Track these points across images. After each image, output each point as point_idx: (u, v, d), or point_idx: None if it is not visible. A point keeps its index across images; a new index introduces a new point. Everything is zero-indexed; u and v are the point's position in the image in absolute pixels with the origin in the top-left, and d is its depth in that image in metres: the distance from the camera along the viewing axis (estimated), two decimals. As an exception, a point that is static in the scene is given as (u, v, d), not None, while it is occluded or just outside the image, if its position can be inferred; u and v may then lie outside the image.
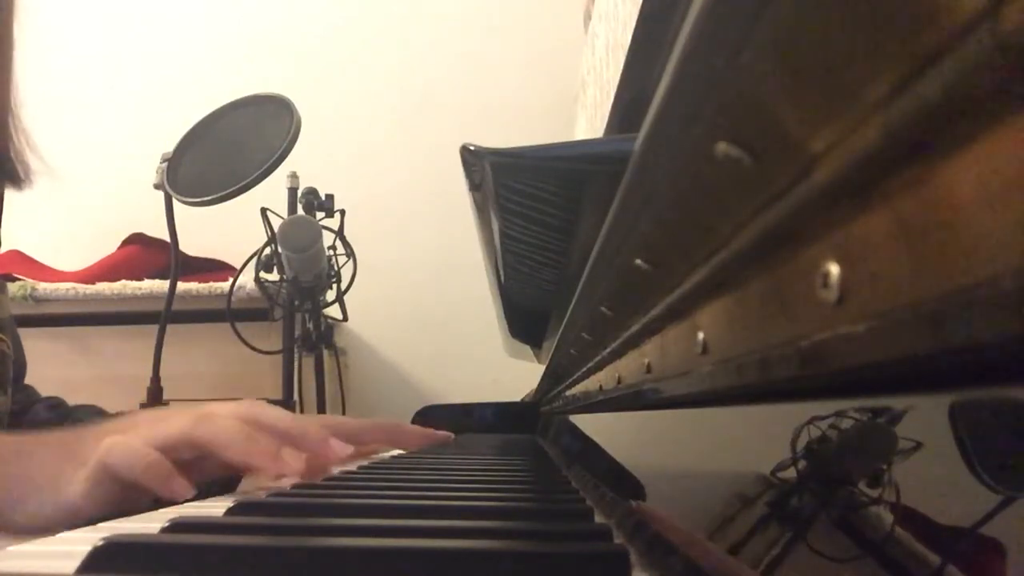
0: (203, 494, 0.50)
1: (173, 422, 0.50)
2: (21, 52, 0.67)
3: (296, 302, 1.55)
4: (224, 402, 0.55)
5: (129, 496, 0.48)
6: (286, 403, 1.54)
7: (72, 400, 0.88)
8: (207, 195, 1.24)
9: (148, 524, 0.37)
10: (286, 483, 0.53)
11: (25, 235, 1.82)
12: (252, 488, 0.55)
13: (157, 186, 1.32)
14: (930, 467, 0.15)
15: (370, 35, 2.20)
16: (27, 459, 0.51)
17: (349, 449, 0.54)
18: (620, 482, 0.46)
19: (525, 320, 1.08)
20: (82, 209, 2.10)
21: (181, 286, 1.52)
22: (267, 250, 1.52)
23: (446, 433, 0.92)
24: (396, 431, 0.89)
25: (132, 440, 0.48)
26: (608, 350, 0.47)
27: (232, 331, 1.50)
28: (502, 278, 0.83)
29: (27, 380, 0.87)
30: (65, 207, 2.03)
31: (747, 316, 0.22)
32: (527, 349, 1.33)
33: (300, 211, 1.57)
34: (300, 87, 1.53)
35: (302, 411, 1.60)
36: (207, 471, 0.53)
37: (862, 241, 0.15)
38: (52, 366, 0.92)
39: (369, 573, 0.27)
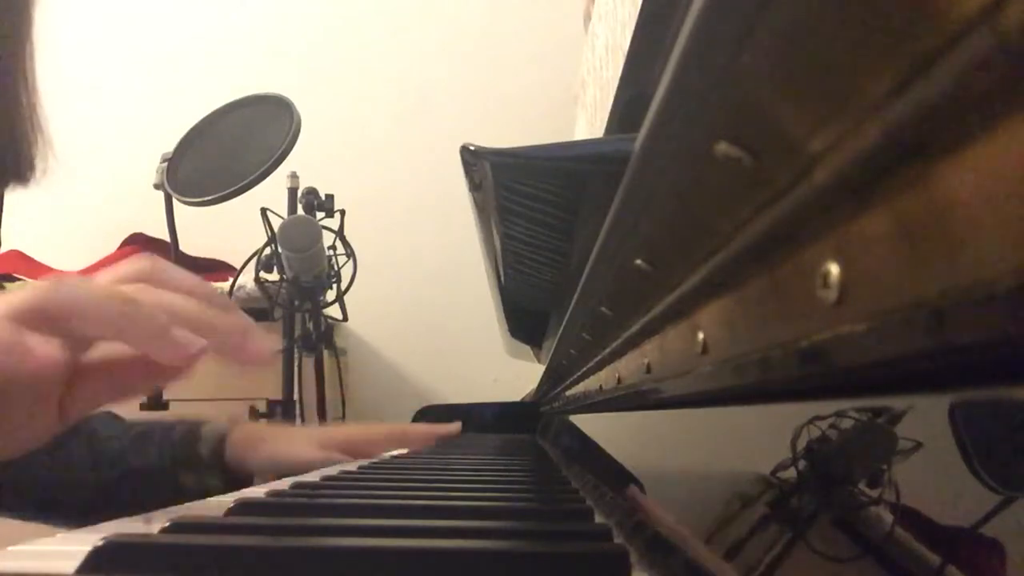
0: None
1: (24, 291, 0.38)
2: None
3: (296, 302, 1.55)
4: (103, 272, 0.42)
5: None
6: (286, 403, 1.54)
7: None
8: (207, 195, 1.24)
9: (148, 524, 0.37)
10: (285, 483, 0.53)
11: (25, 235, 1.82)
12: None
13: (157, 186, 1.32)
14: (930, 467, 0.15)
15: (370, 35, 2.20)
16: None
17: (267, 344, 0.41)
18: (620, 482, 0.46)
19: (525, 320, 1.08)
20: (82, 209, 2.10)
21: (181, 286, 1.51)
22: (267, 250, 1.52)
23: (453, 426, 0.91)
24: (403, 436, 0.90)
25: None
26: (608, 350, 0.47)
27: (232, 331, 1.50)
28: (502, 278, 0.83)
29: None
30: (65, 207, 2.03)
31: (747, 316, 0.22)
32: (527, 349, 1.33)
33: (300, 211, 1.57)
34: (300, 87, 1.53)
35: (302, 411, 1.60)
36: (99, 388, 0.41)
37: (862, 241, 0.15)
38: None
39: (369, 573, 0.27)
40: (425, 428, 0.93)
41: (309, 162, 1.53)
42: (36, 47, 0.66)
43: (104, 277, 0.42)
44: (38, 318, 0.37)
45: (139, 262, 0.42)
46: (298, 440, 0.82)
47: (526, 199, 0.56)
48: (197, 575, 0.27)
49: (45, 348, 0.36)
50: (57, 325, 0.38)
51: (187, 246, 1.54)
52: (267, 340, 0.42)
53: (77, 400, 0.41)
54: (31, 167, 0.67)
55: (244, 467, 0.78)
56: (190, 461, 0.77)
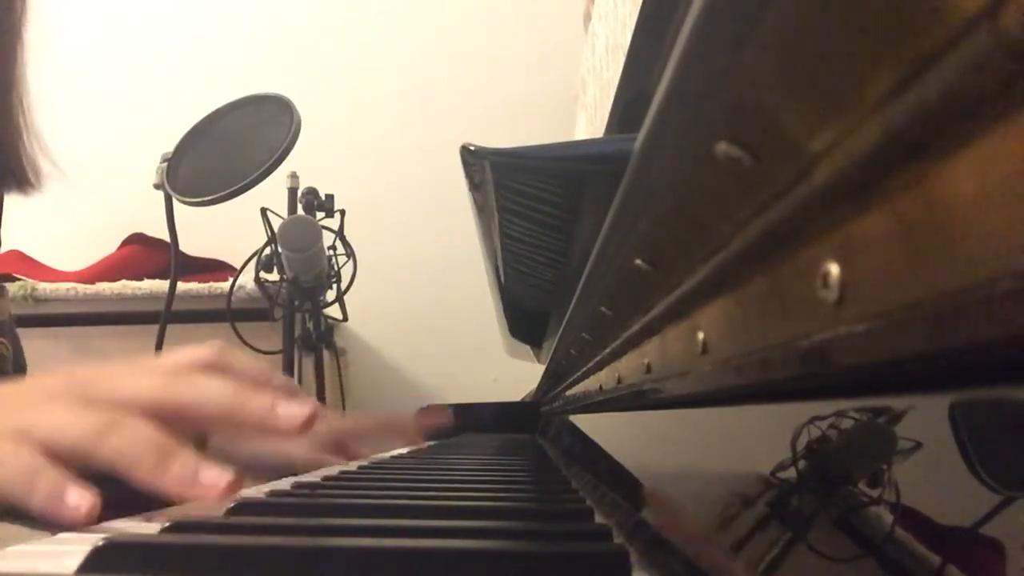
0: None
1: (72, 422, 0.40)
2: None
3: (296, 302, 1.55)
4: (168, 356, 0.46)
5: (13, 505, 0.38)
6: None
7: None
8: (207, 195, 1.24)
9: (148, 524, 0.37)
10: (285, 483, 0.53)
11: (25, 235, 1.82)
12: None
13: (157, 186, 1.32)
14: (930, 467, 0.15)
15: (370, 35, 2.20)
16: None
17: (302, 414, 0.43)
18: (620, 482, 0.46)
19: (525, 320, 1.08)
20: (82, 209, 2.10)
21: (181, 286, 1.52)
22: (267, 250, 1.52)
23: (440, 421, 0.89)
24: (391, 424, 0.88)
25: (21, 452, 0.38)
26: (608, 350, 0.47)
27: (232, 331, 1.50)
28: (502, 278, 0.83)
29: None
30: (65, 207, 2.02)
31: (747, 316, 0.22)
32: (527, 349, 1.33)
33: (300, 211, 1.57)
34: (300, 87, 1.53)
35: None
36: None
37: (862, 241, 0.15)
38: (52, 366, 0.91)
39: (369, 573, 0.27)
40: (415, 419, 0.91)
41: (309, 162, 1.53)
42: (27, 49, 0.65)
43: (171, 361, 0.45)
44: (76, 458, 0.39)
45: (206, 351, 0.46)
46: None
47: (526, 199, 0.56)
48: (197, 575, 0.27)
49: (78, 498, 0.37)
50: (95, 466, 0.39)
51: (187, 246, 1.54)
52: (297, 407, 0.43)
53: None
54: (27, 172, 0.66)
55: (229, 458, 0.76)
56: None
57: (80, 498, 0.37)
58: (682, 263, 0.26)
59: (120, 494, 0.41)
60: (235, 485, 0.40)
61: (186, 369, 0.45)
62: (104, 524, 0.37)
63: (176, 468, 0.39)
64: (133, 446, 0.39)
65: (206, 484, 0.39)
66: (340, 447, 0.81)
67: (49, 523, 0.37)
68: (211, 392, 0.43)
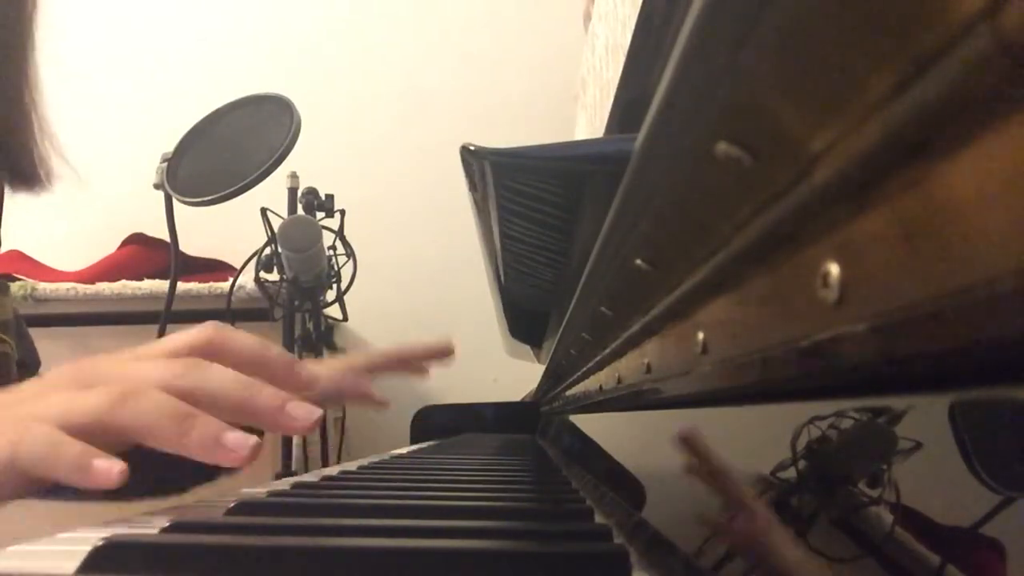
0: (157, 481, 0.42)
1: (85, 398, 0.40)
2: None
3: (296, 302, 1.55)
4: (167, 340, 0.46)
5: (39, 483, 0.40)
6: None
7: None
8: (207, 195, 1.24)
9: (148, 524, 0.37)
10: (285, 483, 0.53)
11: (25, 235, 1.82)
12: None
13: (157, 186, 1.32)
14: (930, 467, 0.15)
15: (370, 35, 2.20)
16: None
17: (305, 412, 0.43)
18: (620, 482, 0.46)
19: (525, 320, 1.08)
20: (82, 209, 2.10)
21: (181, 286, 1.52)
22: (267, 250, 1.52)
23: (445, 344, 0.89)
24: (401, 354, 0.89)
25: (40, 428, 0.39)
26: (608, 350, 0.47)
27: (232, 331, 1.50)
28: (502, 278, 0.83)
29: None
30: (65, 207, 2.02)
31: (747, 316, 0.22)
32: (527, 349, 1.33)
33: (300, 211, 1.57)
34: (300, 87, 1.53)
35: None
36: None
37: (862, 241, 0.15)
38: (52, 366, 0.91)
39: (369, 573, 0.27)
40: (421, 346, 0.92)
41: (309, 162, 1.53)
42: (38, 50, 0.65)
43: (169, 346, 0.46)
44: (95, 431, 0.39)
45: (203, 332, 0.46)
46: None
47: (526, 199, 0.56)
48: (197, 575, 0.27)
49: (106, 468, 0.38)
50: (114, 436, 0.40)
51: (187, 246, 1.54)
52: (306, 409, 0.43)
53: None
54: (38, 172, 0.66)
55: None
56: None
57: (108, 463, 0.37)
58: (682, 263, 0.27)
59: (142, 477, 0.42)
60: (257, 449, 0.40)
61: (188, 352, 0.45)
62: (104, 524, 0.38)
63: (198, 431, 0.39)
64: (152, 412, 0.39)
65: (230, 447, 0.39)
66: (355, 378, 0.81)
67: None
68: (222, 383, 0.42)
